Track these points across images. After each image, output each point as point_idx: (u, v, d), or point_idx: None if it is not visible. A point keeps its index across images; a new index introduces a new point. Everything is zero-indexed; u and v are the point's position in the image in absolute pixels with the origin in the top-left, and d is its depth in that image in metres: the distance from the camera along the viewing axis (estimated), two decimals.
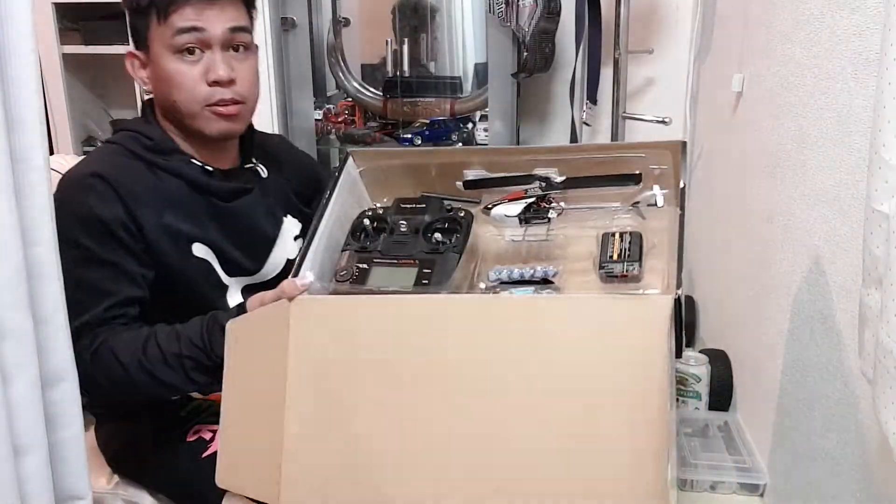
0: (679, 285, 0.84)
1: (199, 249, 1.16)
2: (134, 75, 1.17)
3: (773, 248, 1.31)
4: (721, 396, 1.55)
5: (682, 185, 0.97)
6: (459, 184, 1.08)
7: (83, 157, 1.79)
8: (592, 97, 2.02)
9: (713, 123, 1.81)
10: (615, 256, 0.92)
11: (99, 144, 1.24)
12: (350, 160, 1.11)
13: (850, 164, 1.05)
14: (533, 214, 1.02)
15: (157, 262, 1.12)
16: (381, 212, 1.07)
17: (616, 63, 1.94)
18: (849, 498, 1.07)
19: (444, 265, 0.97)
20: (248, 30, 1.17)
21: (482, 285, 0.98)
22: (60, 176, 1.49)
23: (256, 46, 1.20)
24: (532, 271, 0.95)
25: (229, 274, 1.20)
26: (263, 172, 1.26)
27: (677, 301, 0.83)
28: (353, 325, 0.93)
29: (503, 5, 1.86)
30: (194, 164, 1.18)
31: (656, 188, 1.01)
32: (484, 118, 2.19)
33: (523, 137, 2.15)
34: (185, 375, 1.03)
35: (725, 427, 1.48)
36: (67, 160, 1.53)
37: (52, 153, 2.05)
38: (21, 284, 0.72)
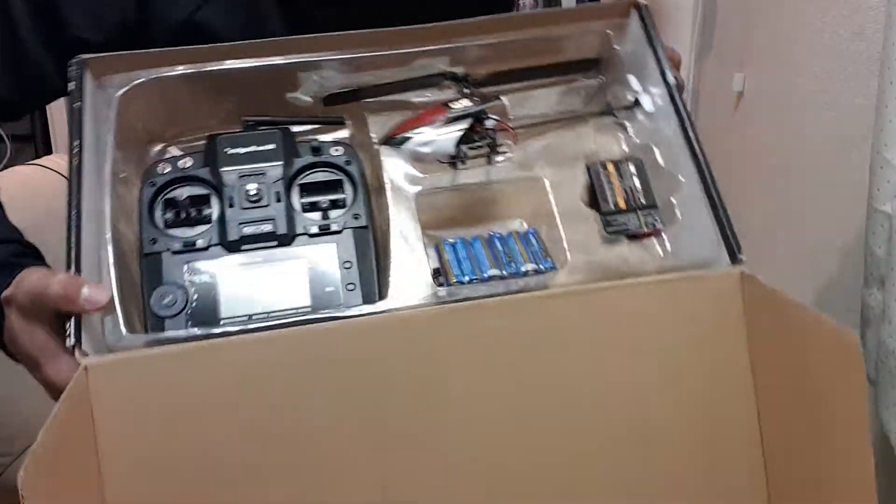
0: (738, 245, 0.57)
1: None
2: None
3: (773, 248, 1.31)
4: None
5: (670, 77, 0.62)
6: (303, 97, 0.62)
7: None
8: None
9: (713, 123, 1.81)
10: (621, 203, 0.61)
11: None
12: (88, 79, 0.58)
13: (851, 163, 1.05)
14: (474, 149, 0.60)
15: None
16: (187, 164, 0.60)
17: None
18: None
19: (352, 254, 0.58)
20: None
21: (441, 291, 0.55)
22: (60, 176, 1.49)
23: None
24: (515, 268, 0.58)
25: None
26: None
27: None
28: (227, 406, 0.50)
29: None
30: None
31: (632, 80, 0.64)
32: None
33: None
34: None
35: None
36: (66, 160, 1.53)
37: (50, 153, 2.05)
38: None
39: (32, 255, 0.61)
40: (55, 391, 0.51)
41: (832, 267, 1.11)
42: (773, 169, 1.33)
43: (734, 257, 0.56)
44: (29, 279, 0.52)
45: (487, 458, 0.52)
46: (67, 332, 0.49)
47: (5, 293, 0.53)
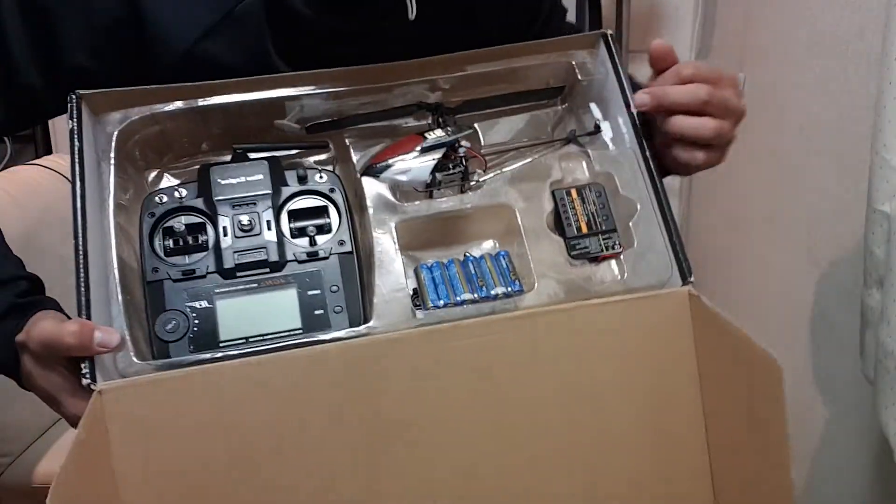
0: (688, 268, 0.63)
1: None
2: None
3: (773, 248, 1.31)
4: None
5: (632, 107, 0.66)
6: (289, 123, 0.66)
7: None
8: None
9: None
10: (583, 227, 0.66)
11: None
12: (86, 115, 0.61)
13: (850, 163, 1.05)
14: (449, 177, 0.65)
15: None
16: (182, 194, 0.64)
17: None
18: (850, 499, 1.07)
19: (338, 278, 0.63)
20: None
21: (419, 314, 0.60)
22: (60, 177, 1.49)
23: None
24: (486, 291, 0.63)
25: None
26: (412, 9, 0.65)
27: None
28: (226, 425, 0.54)
29: None
30: None
31: (594, 108, 0.69)
32: None
33: None
34: None
35: None
36: (66, 160, 1.53)
37: (50, 153, 2.05)
38: None
39: (38, 290, 0.64)
40: (75, 424, 0.55)
41: (832, 267, 1.11)
42: (773, 169, 1.33)
43: (685, 278, 0.63)
44: (41, 327, 0.56)
45: (466, 462, 0.58)
46: (84, 372, 0.53)
47: (19, 337, 0.57)
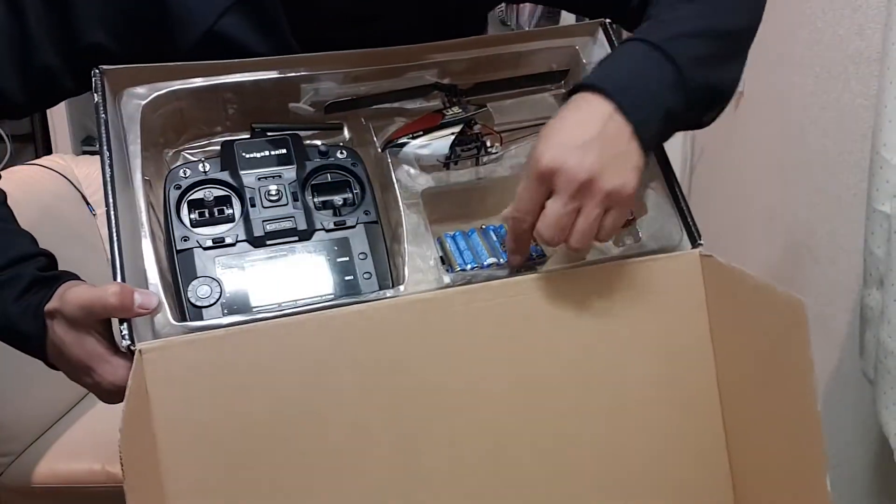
0: (698, 233, 0.67)
1: None
2: None
3: (773, 248, 1.31)
4: None
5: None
6: (304, 107, 0.68)
7: (82, 157, 1.77)
8: None
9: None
10: None
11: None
12: (108, 91, 0.64)
13: (850, 163, 1.05)
14: (466, 151, 0.68)
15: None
16: (206, 168, 0.66)
17: None
18: (850, 499, 1.07)
19: (366, 246, 0.65)
20: None
21: (446, 278, 0.63)
22: (60, 176, 1.49)
23: None
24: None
25: None
26: None
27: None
28: (263, 381, 0.57)
29: (503, 4, 1.87)
30: None
31: None
32: None
33: None
34: None
35: None
36: (66, 160, 1.53)
37: (50, 153, 2.06)
38: None
39: (55, 266, 0.65)
40: (107, 392, 0.56)
41: (832, 267, 1.11)
42: (773, 169, 1.33)
43: (694, 242, 0.67)
44: (77, 292, 0.57)
45: (495, 415, 0.61)
46: (123, 335, 0.54)
47: (49, 306, 0.57)
